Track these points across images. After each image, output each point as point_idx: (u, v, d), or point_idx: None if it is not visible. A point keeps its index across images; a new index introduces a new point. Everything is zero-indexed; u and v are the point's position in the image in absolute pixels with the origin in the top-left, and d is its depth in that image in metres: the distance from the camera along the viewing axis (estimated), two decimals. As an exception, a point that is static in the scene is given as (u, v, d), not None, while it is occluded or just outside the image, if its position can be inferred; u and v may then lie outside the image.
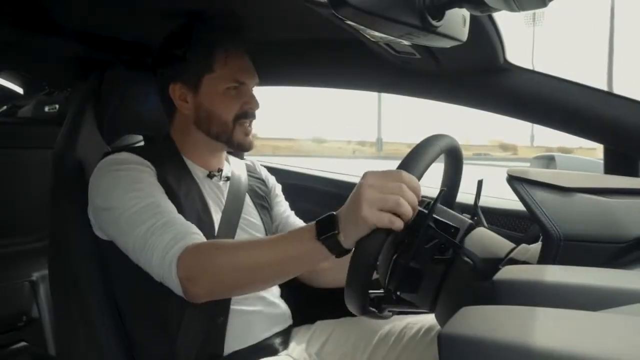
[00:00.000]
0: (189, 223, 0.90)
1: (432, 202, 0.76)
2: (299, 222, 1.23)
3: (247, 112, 1.05)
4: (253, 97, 1.07)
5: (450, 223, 0.78)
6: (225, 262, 0.81)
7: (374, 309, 0.75)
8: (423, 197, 0.74)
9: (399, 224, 0.68)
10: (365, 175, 0.71)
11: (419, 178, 0.72)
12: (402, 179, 0.70)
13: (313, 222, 0.75)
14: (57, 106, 1.86)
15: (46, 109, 1.90)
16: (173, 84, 1.04)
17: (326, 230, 0.72)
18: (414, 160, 0.73)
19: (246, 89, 1.06)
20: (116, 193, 0.91)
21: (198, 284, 0.83)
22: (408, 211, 0.69)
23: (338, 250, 0.72)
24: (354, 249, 0.70)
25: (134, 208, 0.88)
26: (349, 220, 0.70)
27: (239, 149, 1.08)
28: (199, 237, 0.88)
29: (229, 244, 0.87)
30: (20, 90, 2.03)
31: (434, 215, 0.76)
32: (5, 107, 2.06)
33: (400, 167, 0.72)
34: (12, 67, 1.79)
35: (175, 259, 0.83)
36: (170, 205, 0.92)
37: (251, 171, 1.22)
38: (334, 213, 0.73)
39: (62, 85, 1.81)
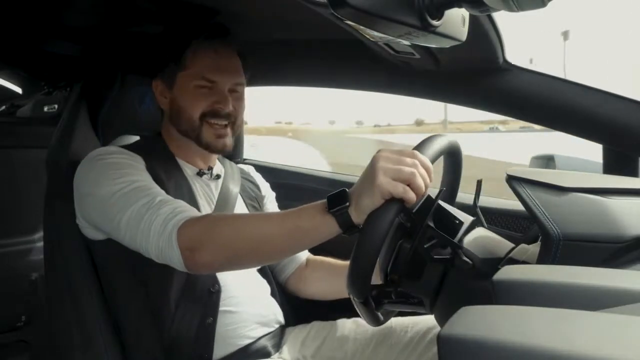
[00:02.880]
0: (187, 204, 0.88)
1: (438, 191, 0.77)
2: None
3: (216, 111, 1.01)
4: (226, 97, 1.02)
5: (455, 215, 0.79)
6: (230, 231, 0.80)
7: (371, 302, 0.74)
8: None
9: (411, 196, 0.68)
10: (380, 150, 0.72)
11: (432, 162, 0.73)
12: (416, 157, 0.71)
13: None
14: (56, 106, 1.87)
15: (45, 108, 1.90)
16: (155, 81, 1.06)
17: (337, 203, 0.72)
18: (427, 143, 0.76)
19: (219, 89, 1.02)
20: (106, 178, 0.89)
21: (201, 253, 0.79)
22: (421, 185, 0.69)
23: (347, 225, 0.72)
24: (364, 223, 0.69)
25: (126, 189, 0.87)
26: (362, 192, 0.70)
27: (209, 149, 1.03)
28: (199, 213, 0.86)
29: (234, 215, 0.84)
30: (19, 90, 2.03)
31: (439, 202, 0.76)
32: (4, 107, 2.06)
33: (414, 149, 0.74)
34: (11, 66, 1.79)
35: (176, 228, 0.81)
36: (162, 191, 0.91)
37: (245, 175, 1.21)
38: (346, 189, 0.73)
39: (61, 85, 1.81)
